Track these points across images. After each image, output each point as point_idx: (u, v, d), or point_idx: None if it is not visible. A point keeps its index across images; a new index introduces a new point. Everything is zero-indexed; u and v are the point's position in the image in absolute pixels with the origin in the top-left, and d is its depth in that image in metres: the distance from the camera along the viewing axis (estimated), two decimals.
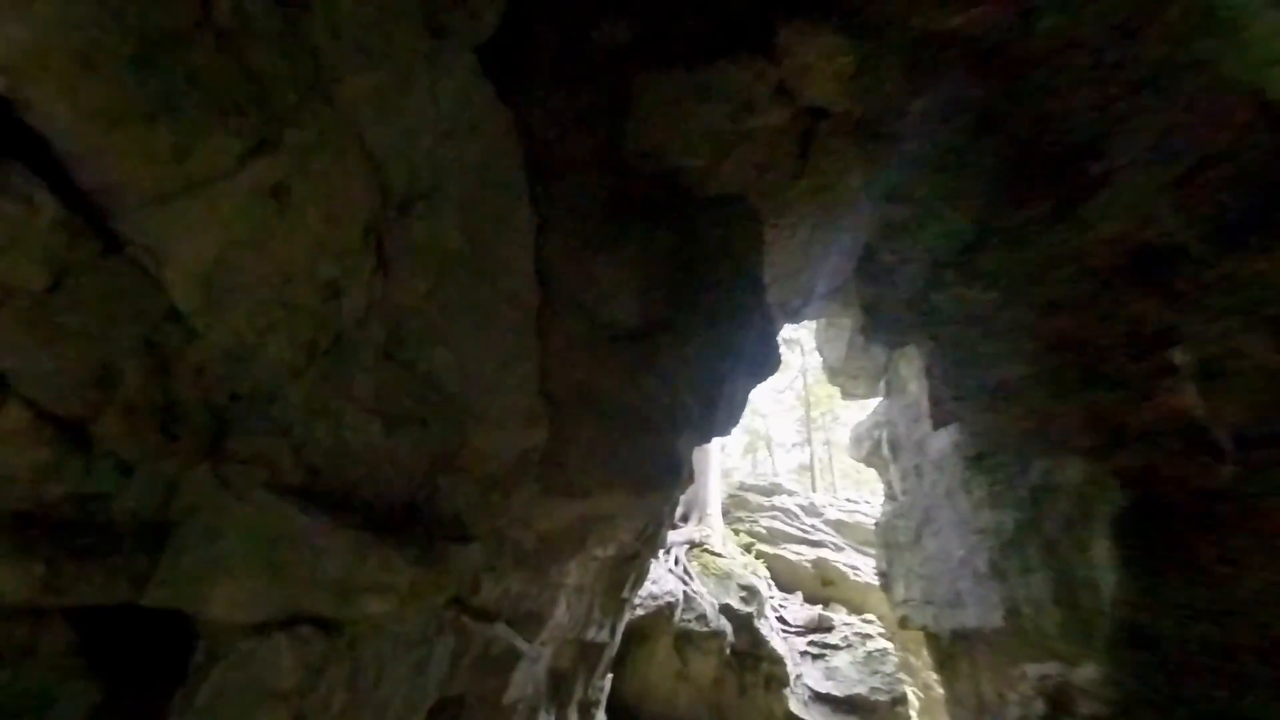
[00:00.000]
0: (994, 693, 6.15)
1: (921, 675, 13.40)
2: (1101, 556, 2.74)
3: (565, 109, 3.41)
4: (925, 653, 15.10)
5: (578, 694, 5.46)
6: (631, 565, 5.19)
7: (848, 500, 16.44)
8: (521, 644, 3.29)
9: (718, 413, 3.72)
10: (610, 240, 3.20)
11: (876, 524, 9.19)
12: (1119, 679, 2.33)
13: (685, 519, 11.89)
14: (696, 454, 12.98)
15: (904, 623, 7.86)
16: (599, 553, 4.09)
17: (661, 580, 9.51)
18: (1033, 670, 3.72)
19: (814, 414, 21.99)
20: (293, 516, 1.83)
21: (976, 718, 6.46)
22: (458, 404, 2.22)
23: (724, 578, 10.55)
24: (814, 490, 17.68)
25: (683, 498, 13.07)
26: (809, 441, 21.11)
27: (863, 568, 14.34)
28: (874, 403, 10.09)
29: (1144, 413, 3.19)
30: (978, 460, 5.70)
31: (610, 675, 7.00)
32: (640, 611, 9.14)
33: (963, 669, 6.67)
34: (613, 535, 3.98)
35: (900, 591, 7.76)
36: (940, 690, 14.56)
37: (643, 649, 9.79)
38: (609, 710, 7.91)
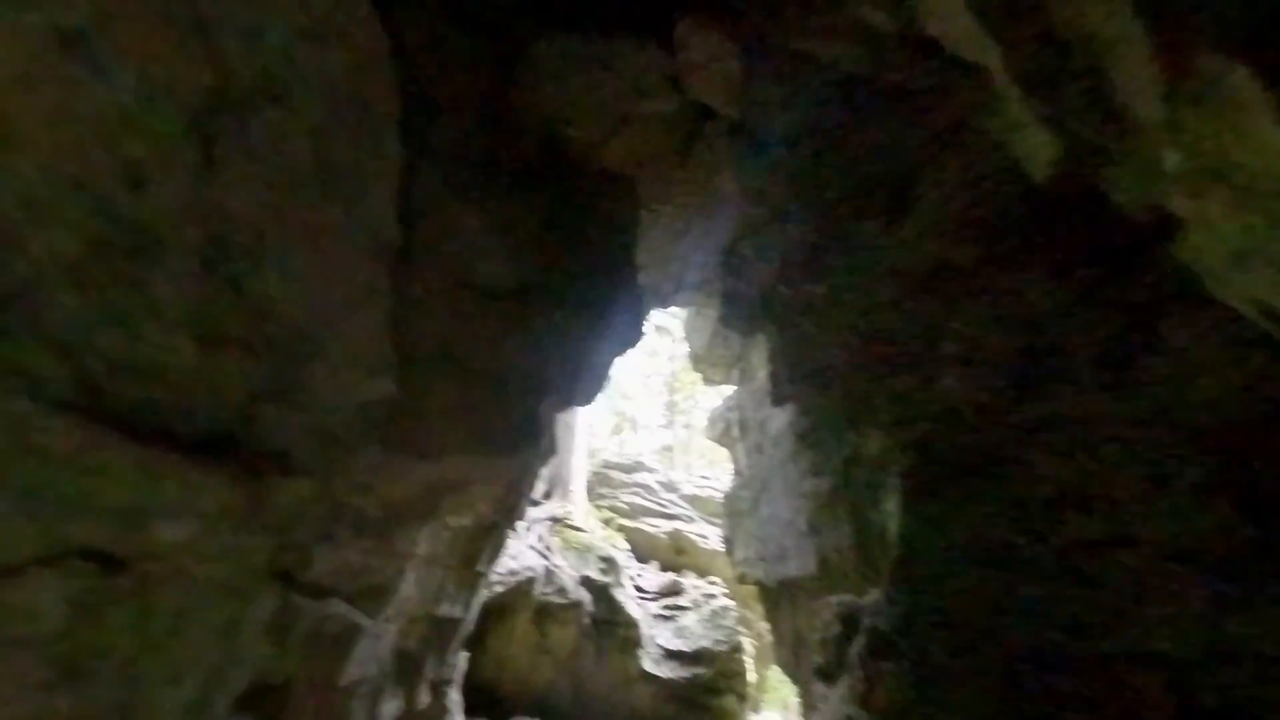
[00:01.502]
0: (806, 627, 7.21)
1: (755, 627, 15.08)
2: (891, 507, 3.38)
3: (453, 49, 3.25)
4: (759, 606, 16.93)
5: (429, 673, 5.35)
6: (488, 537, 5.19)
7: (702, 477, 17.75)
8: (363, 619, 3.17)
9: (582, 380, 3.86)
10: (486, 193, 3.14)
11: (724, 496, 10.12)
12: (896, 599, 2.92)
13: (548, 496, 12.02)
14: (562, 432, 13.09)
15: (742, 579, 8.80)
16: (453, 522, 4.04)
17: (522, 556, 9.56)
18: (833, 600, 4.46)
19: (677, 399, 23.37)
20: (62, 432, 1.56)
21: (793, 651, 7.54)
22: (293, 336, 2.04)
23: (584, 551, 10.90)
24: (674, 469, 18.81)
25: (546, 475, 13.15)
26: (671, 424, 22.41)
27: (711, 537, 15.65)
28: (729, 389, 11.06)
29: (927, 394, 3.89)
30: (805, 437, 6.57)
31: (466, 653, 6.92)
32: (499, 588, 9.12)
33: (785, 612, 7.69)
34: (468, 504, 3.96)
35: (740, 553, 8.64)
36: (769, 636, 16.40)
37: (501, 625, 9.79)
38: (465, 690, 7.83)
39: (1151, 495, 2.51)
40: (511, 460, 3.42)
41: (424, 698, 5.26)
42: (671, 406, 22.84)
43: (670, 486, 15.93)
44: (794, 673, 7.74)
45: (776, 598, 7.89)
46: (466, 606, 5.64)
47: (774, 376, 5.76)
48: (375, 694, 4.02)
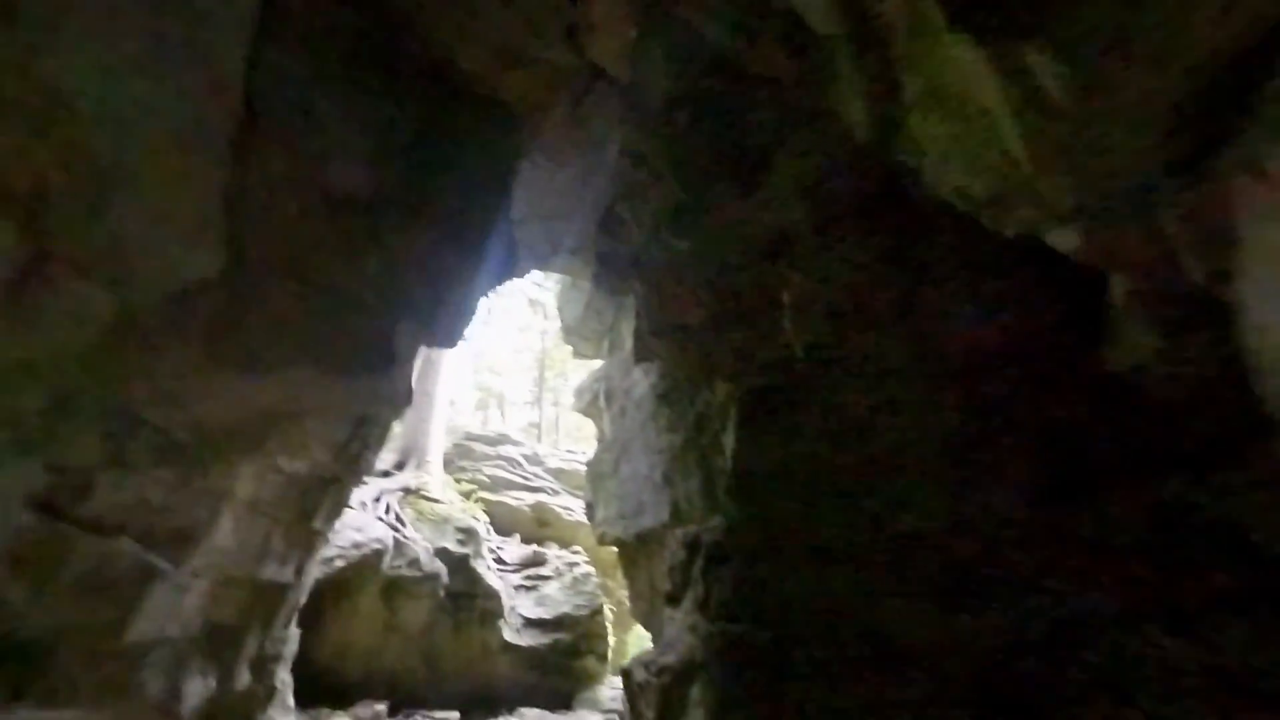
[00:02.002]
0: (659, 573, 7.68)
1: (616, 594, 15.68)
2: (729, 440, 3.71)
3: None
4: (619, 574, 17.56)
5: (249, 647, 4.80)
6: (327, 491, 4.76)
7: (568, 451, 17.86)
8: (160, 562, 2.72)
9: (444, 312, 3.67)
10: (354, 87, 2.79)
11: (587, 463, 10.31)
12: (730, 515, 3.23)
13: (401, 466, 11.28)
14: (419, 399, 12.32)
15: (602, 540, 9.06)
16: (285, 465, 3.64)
17: (368, 528, 8.89)
18: (679, 533, 4.82)
19: (547, 375, 23.16)
20: None
21: (649, 601, 7.97)
22: (94, 143, 1.66)
23: (441, 522, 10.44)
24: (541, 444, 18.67)
25: (399, 445, 12.30)
26: (540, 400, 22.17)
27: (576, 509, 15.86)
28: (598, 364, 11.24)
29: (763, 346, 4.30)
30: (664, 396, 6.96)
31: (298, 631, 6.30)
32: (340, 563, 8.41)
33: (641, 566, 8.09)
34: (302, 444, 3.59)
35: (601, 514, 8.88)
36: (628, 596, 17.09)
37: (344, 604, 9.05)
38: (302, 677, 7.11)
39: (921, 413, 3.08)
40: (354, 385, 3.14)
41: (243, 676, 4.71)
42: (541, 384, 22.60)
43: (535, 460, 15.82)
44: (649, 621, 8.20)
45: (634, 553, 8.27)
46: (299, 571, 5.15)
47: (638, 334, 5.99)
48: (176, 665, 3.51)
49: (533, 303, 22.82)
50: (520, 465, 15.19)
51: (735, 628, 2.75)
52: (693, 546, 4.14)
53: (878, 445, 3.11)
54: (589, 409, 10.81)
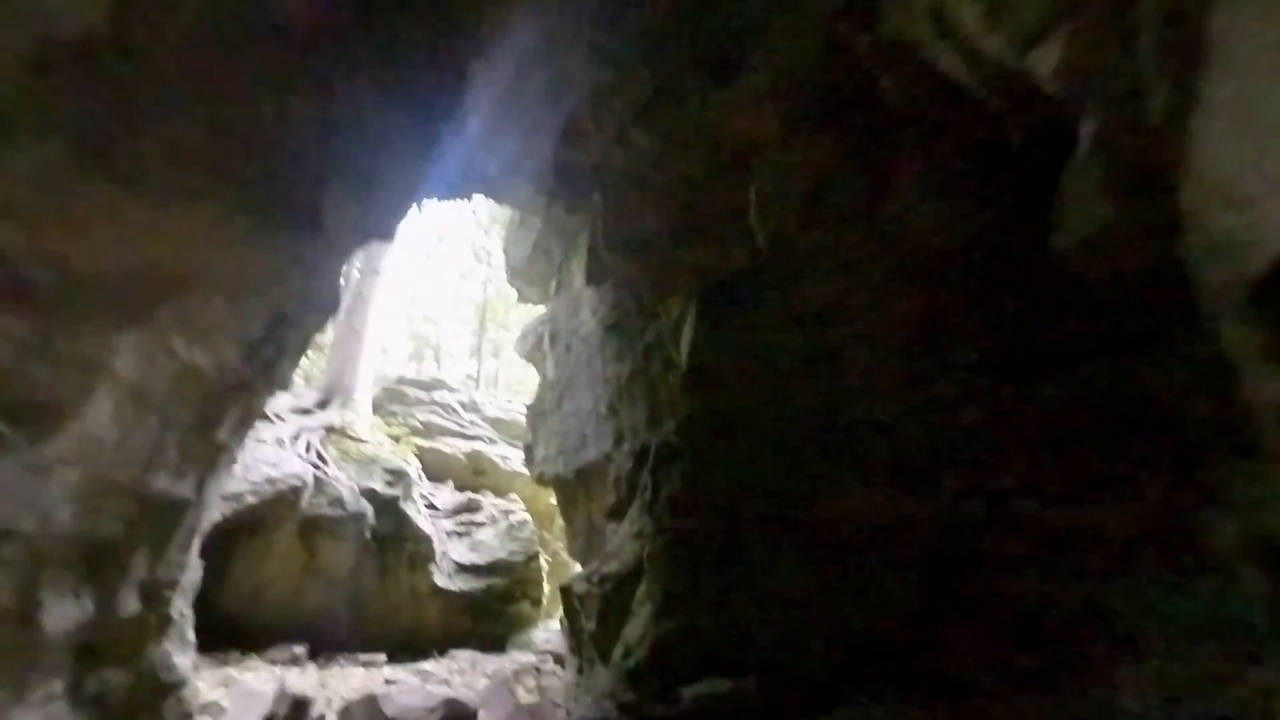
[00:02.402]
0: (601, 515, 7.60)
1: (551, 545, 15.64)
2: (686, 339, 3.54)
3: None
4: (555, 525, 17.60)
5: (137, 569, 4.26)
6: (234, 398, 4.23)
7: (507, 400, 17.39)
8: (8, 430, 2.23)
9: (382, 189, 3.20)
10: None
11: (529, 405, 10.02)
12: (682, 411, 3.09)
13: (325, 404, 10.51)
14: (347, 336, 11.46)
15: (541, 479, 8.87)
16: (182, 350, 3.11)
17: (285, 464, 8.25)
18: (626, 446, 4.70)
19: (488, 327, 22.28)
20: None
21: (587, 539, 7.92)
22: None
23: (368, 463, 9.87)
24: (478, 393, 18.04)
25: (324, 382, 11.46)
26: (479, 352, 21.35)
27: (513, 458, 15.54)
28: (541, 311, 10.80)
29: (724, 253, 4.12)
30: (613, 328, 6.76)
31: (199, 559, 5.71)
32: (253, 499, 7.77)
33: (580, 503, 8.01)
34: (204, 326, 3.06)
35: (541, 452, 8.68)
36: (564, 555, 17.23)
37: (257, 543, 8.43)
38: (210, 624, 6.53)
39: (878, 304, 3.04)
40: (272, 246, 2.67)
41: (130, 603, 4.18)
42: (481, 335, 21.72)
43: (472, 407, 15.28)
44: (587, 557, 8.18)
45: (574, 491, 8.16)
46: (199, 488, 4.60)
47: (593, 253, 5.67)
48: (34, 569, 3.00)
49: (476, 252, 21.67)
50: (456, 412, 14.63)
51: (686, 522, 2.65)
52: (640, 455, 4.03)
53: (834, 335, 3.07)
54: (532, 353, 10.47)
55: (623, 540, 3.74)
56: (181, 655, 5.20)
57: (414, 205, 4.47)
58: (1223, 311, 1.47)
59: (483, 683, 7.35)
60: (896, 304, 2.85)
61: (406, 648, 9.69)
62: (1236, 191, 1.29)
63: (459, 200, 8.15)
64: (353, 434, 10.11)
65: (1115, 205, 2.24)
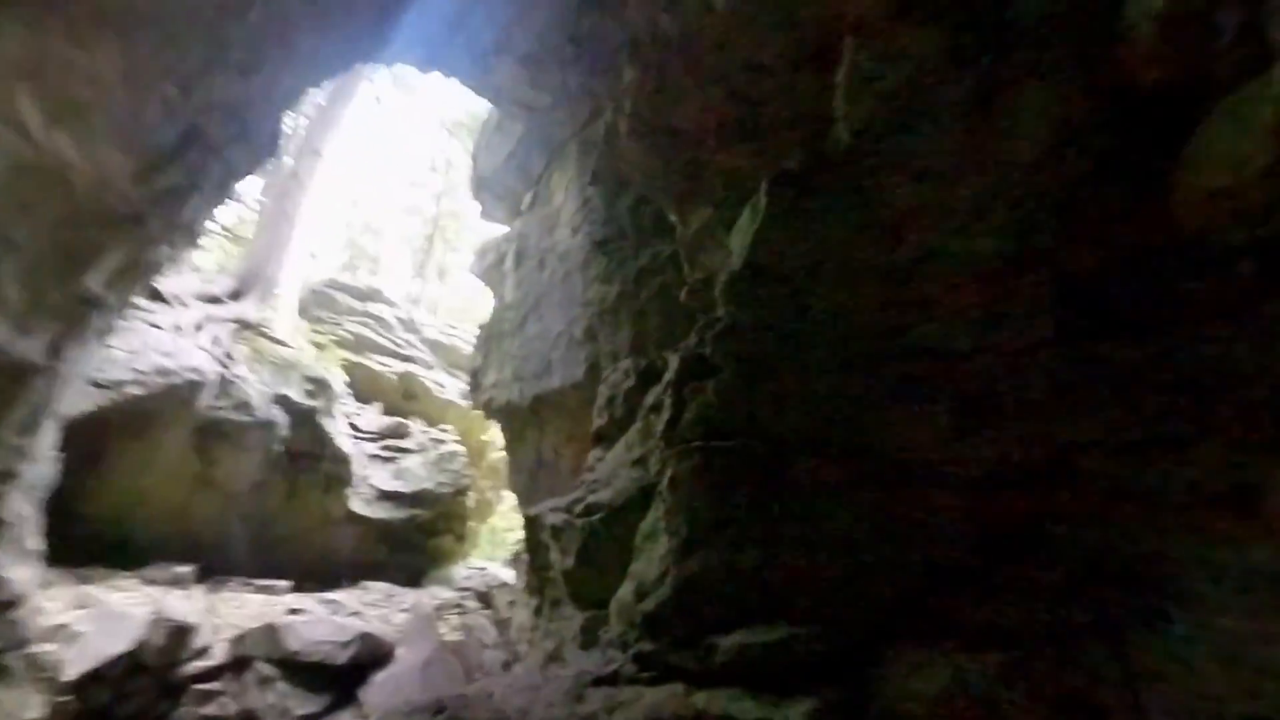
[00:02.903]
0: (551, 450, 6.98)
1: (479, 483, 14.86)
2: (744, 234, 2.89)
3: None
4: (484, 462, 16.87)
5: None
6: (119, 234, 3.13)
7: (450, 325, 16.11)
8: None
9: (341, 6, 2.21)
10: None
11: (482, 324, 9.06)
12: (731, 326, 2.44)
13: (239, 295, 9.01)
14: (275, 220, 9.84)
15: (488, 407, 8.06)
16: (44, 144, 2.08)
17: (182, 354, 6.93)
18: (628, 363, 4.05)
19: (435, 244, 20.33)
20: None
21: (531, 477, 7.33)
22: None
23: (286, 368, 8.60)
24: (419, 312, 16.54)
25: (242, 268, 9.87)
26: (423, 270, 19.51)
27: (449, 387, 14.47)
28: (500, 231, 9.68)
29: (769, 163, 3.43)
30: (602, 244, 5.97)
31: (54, 452, 4.54)
32: (138, 390, 6.47)
33: (529, 436, 7.35)
34: (87, 127, 2.04)
35: (492, 377, 7.85)
36: (489, 495, 16.63)
37: (138, 445, 7.14)
38: (69, 531, 5.34)
39: (960, 225, 2.56)
40: (181, 44, 1.71)
41: None
42: (428, 252, 19.73)
43: (411, 326, 13.96)
44: (528, 495, 7.56)
45: (524, 422, 7.44)
46: (54, 353, 3.49)
47: (611, 142, 4.71)
48: None
49: (434, 160, 19.35)
50: (392, 329, 13.29)
51: (721, 444, 2.08)
52: (646, 374, 3.42)
53: (909, 252, 2.54)
54: (489, 273, 9.44)
55: (615, 468, 3.16)
56: (20, 566, 4.12)
57: (379, 49, 3.42)
58: None
59: (400, 617, 6.66)
60: (981, 230, 2.33)
61: (313, 575, 8.77)
62: None
63: (435, 72, 6.90)
64: (270, 333, 8.73)
65: (1267, 147, 1.83)
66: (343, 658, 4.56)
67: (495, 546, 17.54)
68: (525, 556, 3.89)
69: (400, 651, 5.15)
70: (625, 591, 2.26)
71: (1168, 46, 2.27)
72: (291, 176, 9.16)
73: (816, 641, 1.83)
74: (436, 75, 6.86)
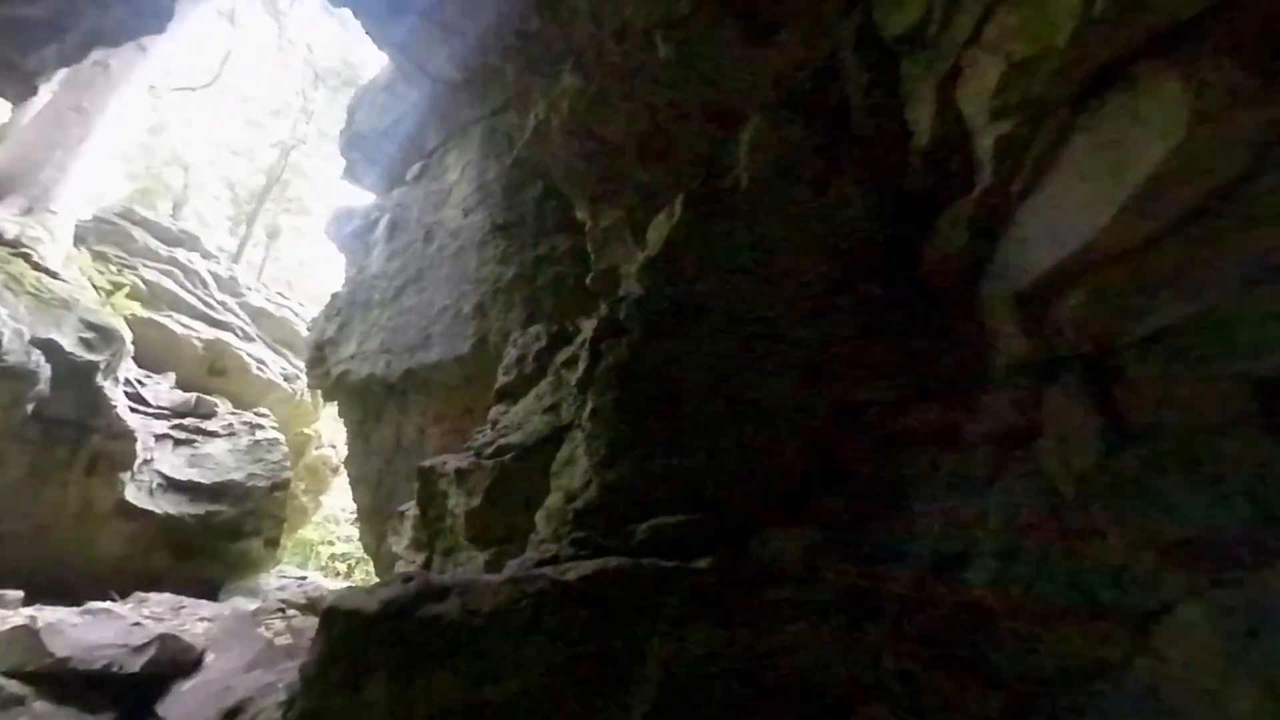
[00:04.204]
0: (416, 431, 6.52)
1: (293, 484, 12.88)
2: (661, 219, 3.05)
3: None
4: (302, 460, 14.77)
5: None
6: None
7: (280, 294, 13.93)
8: None
9: None
10: None
11: (335, 293, 8.06)
12: (650, 290, 2.65)
13: None
14: (66, 115, 7.70)
15: (338, 383, 7.18)
16: None
17: None
18: (539, 328, 3.98)
19: (269, 205, 17.33)
20: None
21: (388, 460, 6.76)
22: None
23: (57, 306, 6.69)
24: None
25: (2, 165, 7.42)
26: (250, 226, 16.45)
27: (270, 364, 12.46)
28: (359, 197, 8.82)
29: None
30: (504, 228, 5.95)
31: None
32: None
33: (389, 418, 6.81)
34: None
35: (351, 349, 7.06)
36: (303, 500, 14.60)
37: None
38: None
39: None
40: None
41: None
42: (259, 208, 16.63)
43: (230, 286, 11.77)
44: (380, 483, 6.84)
45: (382, 400, 6.79)
46: None
47: (543, 135, 4.61)
48: None
49: (291, 101, 16.31)
50: (206, 286, 11.08)
51: (634, 384, 2.61)
52: (557, 337, 3.55)
53: (780, 264, 3.02)
54: (350, 240, 8.52)
55: (526, 415, 3.44)
56: None
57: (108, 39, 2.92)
58: None
59: (201, 626, 5.52)
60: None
61: (61, 584, 6.81)
62: None
63: (346, 8, 6.13)
64: (37, 257, 6.67)
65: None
66: (136, 664, 3.59)
67: (307, 560, 15.19)
68: (419, 510, 3.69)
69: (211, 658, 4.28)
70: (554, 500, 2.66)
71: None
72: (100, 67, 7.04)
73: (708, 525, 2.42)
74: (346, 11, 6.15)
